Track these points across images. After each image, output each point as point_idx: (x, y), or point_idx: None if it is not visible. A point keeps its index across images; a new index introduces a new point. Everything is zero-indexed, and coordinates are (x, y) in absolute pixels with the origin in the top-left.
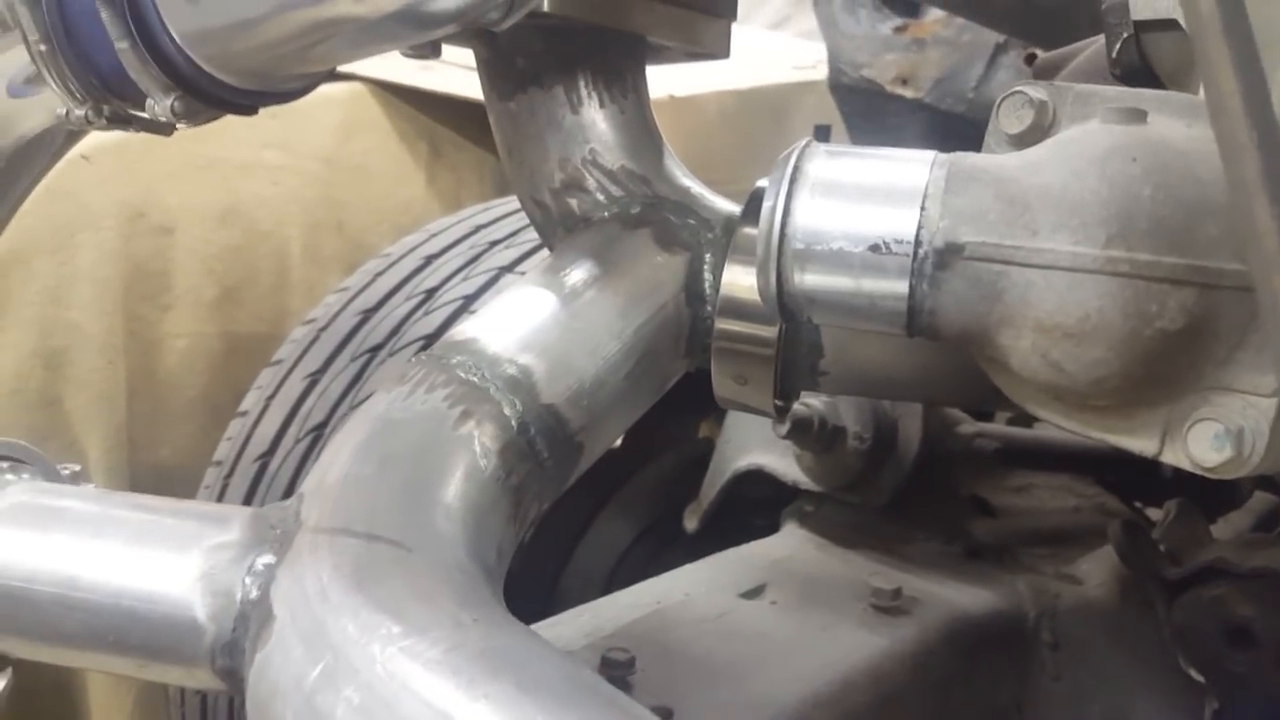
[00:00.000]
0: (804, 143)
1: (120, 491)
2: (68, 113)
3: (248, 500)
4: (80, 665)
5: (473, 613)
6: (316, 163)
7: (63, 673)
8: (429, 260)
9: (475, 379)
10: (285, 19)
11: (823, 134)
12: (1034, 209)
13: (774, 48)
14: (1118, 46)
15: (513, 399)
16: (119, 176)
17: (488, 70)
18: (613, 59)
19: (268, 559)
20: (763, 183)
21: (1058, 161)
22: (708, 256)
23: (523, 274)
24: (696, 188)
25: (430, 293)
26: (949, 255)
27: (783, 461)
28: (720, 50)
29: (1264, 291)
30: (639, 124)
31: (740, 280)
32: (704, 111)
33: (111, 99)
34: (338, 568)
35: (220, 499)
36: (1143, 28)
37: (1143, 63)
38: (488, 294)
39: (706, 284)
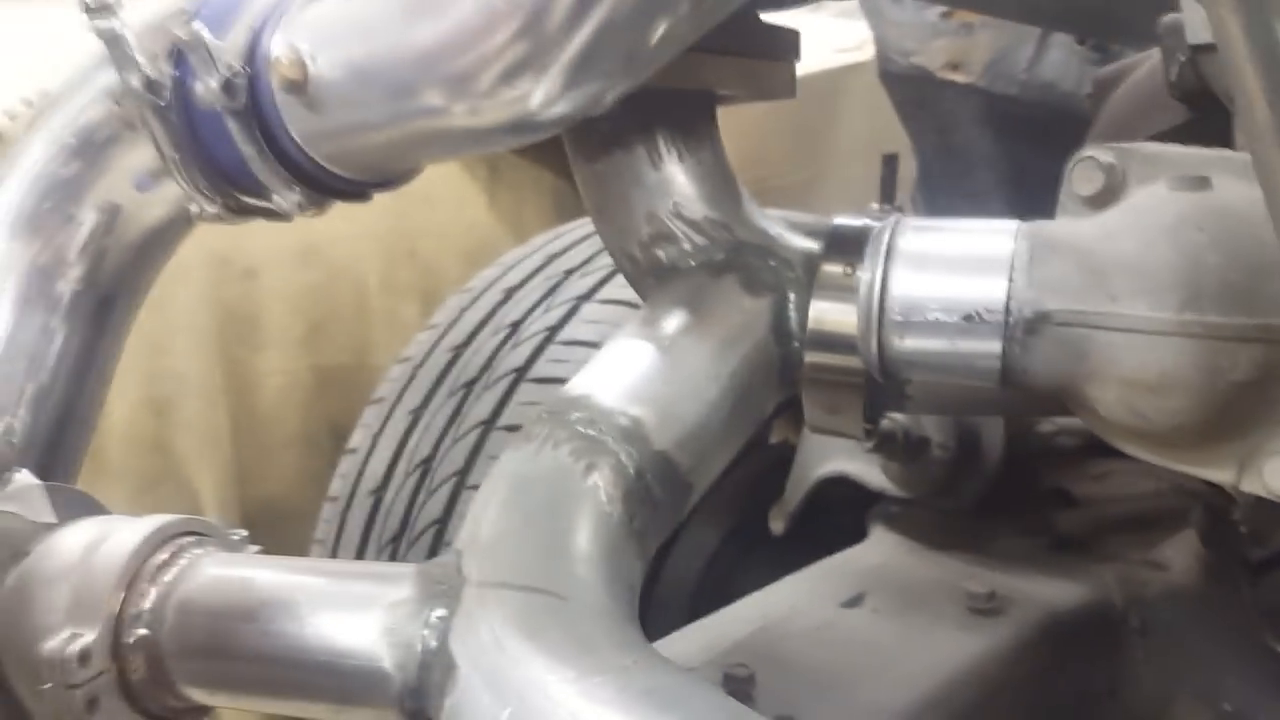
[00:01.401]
0: (894, 219)
1: (289, 557)
2: (200, 210)
3: (366, 532)
4: (280, 712)
5: (631, 655)
6: (384, 195)
7: None
8: (509, 294)
9: (593, 433)
10: (401, 127)
11: (891, 162)
12: (1111, 277)
13: (813, 31)
14: (1175, 70)
15: (629, 449)
16: (203, 228)
17: (572, 136)
18: (687, 115)
19: (441, 612)
20: (841, 220)
21: (1131, 231)
22: (791, 295)
23: (602, 301)
24: (775, 229)
25: (515, 326)
26: (1037, 322)
27: (867, 468)
28: (786, 91)
29: None
30: (717, 173)
31: (825, 316)
32: (751, 107)
33: (237, 195)
34: (506, 619)
35: (340, 532)
36: (1199, 50)
37: (1200, 84)
38: (570, 323)
39: (792, 321)
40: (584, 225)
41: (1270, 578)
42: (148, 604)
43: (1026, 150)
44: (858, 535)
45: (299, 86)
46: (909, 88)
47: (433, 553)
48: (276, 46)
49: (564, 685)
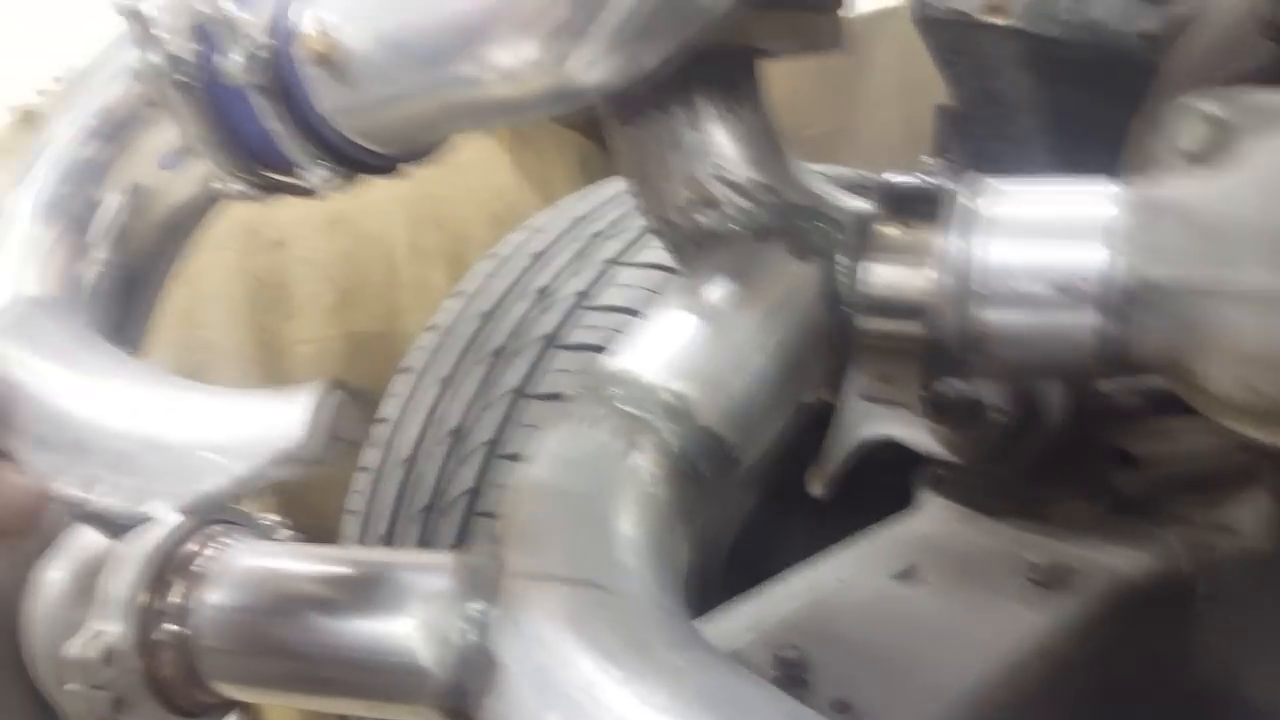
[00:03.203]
0: (970, 178)
1: (322, 545)
2: (226, 188)
3: (398, 501)
4: (313, 709)
5: (685, 654)
6: None
7: None
8: (536, 258)
9: (634, 410)
10: (433, 99)
11: (947, 114)
12: (1227, 241)
13: None
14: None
15: (673, 426)
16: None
17: (606, 98)
18: (727, 73)
19: (479, 605)
20: (893, 176)
21: (1249, 190)
22: (840, 259)
23: (634, 265)
24: (821, 188)
25: (543, 291)
26: (1141, 292)
27: (915, 431)
28: (832, 43)
29: None
30: (760, 132)
31: (880, 279)
32: None
33: (263, 172)
34: (550, 614)
35: (372, 501)
36: None
37: None
38: (601, 287)
39: (842, 286)
40: (610, 186)
41: None
42: (176, 598)
43: (1071, 94)
44: (900, 496)
45: (327, 60)
46: (947, 32)
47: (465, 522)
48: (303, 20)
49: (615, 687)
